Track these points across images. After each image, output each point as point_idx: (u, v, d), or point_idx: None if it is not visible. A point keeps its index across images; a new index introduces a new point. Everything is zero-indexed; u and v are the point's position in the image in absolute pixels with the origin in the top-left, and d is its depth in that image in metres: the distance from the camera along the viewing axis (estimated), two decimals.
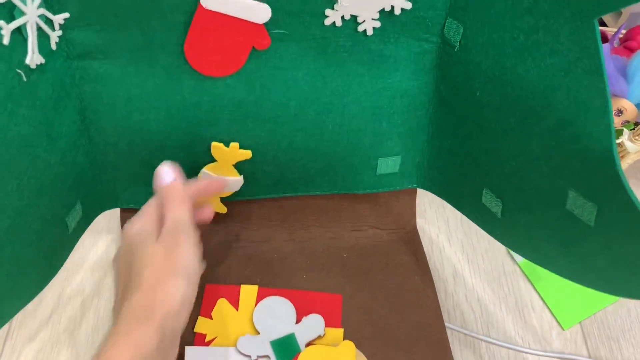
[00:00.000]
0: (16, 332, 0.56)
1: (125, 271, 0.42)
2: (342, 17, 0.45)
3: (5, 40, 0.37)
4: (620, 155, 0.57)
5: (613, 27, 0.79)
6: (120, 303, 0.40)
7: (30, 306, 0.49)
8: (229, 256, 0.61)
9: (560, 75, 0.37)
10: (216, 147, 0.52)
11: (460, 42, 0.46)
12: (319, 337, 0.53)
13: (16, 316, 0.54)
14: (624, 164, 0.58)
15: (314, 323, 0.54)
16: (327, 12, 0.45)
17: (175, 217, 0.43)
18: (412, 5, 0.45)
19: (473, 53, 0.45)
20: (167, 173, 0.47)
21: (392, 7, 0.45)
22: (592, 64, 0.34)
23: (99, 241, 0.64)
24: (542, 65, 0.38)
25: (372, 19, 0.46)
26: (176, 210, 0.44)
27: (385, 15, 0.46)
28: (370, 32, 0.47)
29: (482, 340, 0.57)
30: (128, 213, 0.59)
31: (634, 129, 0.55)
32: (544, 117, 0.39)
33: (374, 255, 0.62)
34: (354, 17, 0.45)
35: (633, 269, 0.38)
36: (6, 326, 0.55)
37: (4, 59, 0.37)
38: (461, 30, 0.45)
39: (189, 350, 0.51)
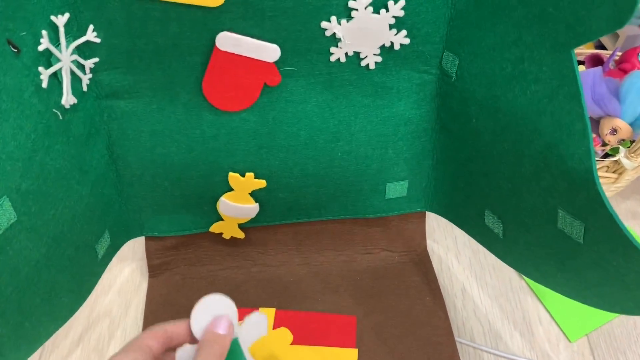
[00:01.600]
0: (49, 352, 0.59)
1: None
2: (346, 54, 0.49)
3: (44, 84, 0.41)
4: (618, 172, 0.59)
5: (611, 49, 0.82)
6: None
7: (62, 327, 0.52)
8: (246, 280, 0.64)
9: (544, 102, 0.40)
10: (233, 177, 0.56)
11: (456, 73, 0.49)
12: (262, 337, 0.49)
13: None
14: (623, 181, 0.60)
15: (256, 322, 0.47)
16: (332, 49, 0.49)
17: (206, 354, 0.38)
18: (411, 41, 0.49)
19: (468, 83, 0.48)
20: (222, 320, 0.40)
21: (392, 43, 0.49)
22: (571, 90, 0.37)
23: (125, 267, 0.68)
24: (528, 92, 0.41)
25: (374, 54, 0.49)
26: None
27: (386, 50, 0.49)
28: (372, 67, 0.50)
29: (490, 353, 0.59)
30: (152, 240, 0.63)
31: (630, 146, 0.57)
32: (532, 141, 0.42)
33: (386, 278, 0.65)
34: (356, 54, 0.49)
35: (622, 285, 0.40)
36: (39, 348, 0.59)
37: (43, 101, 0.42)
38: (457, 62, 0.49)
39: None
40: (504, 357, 0.58)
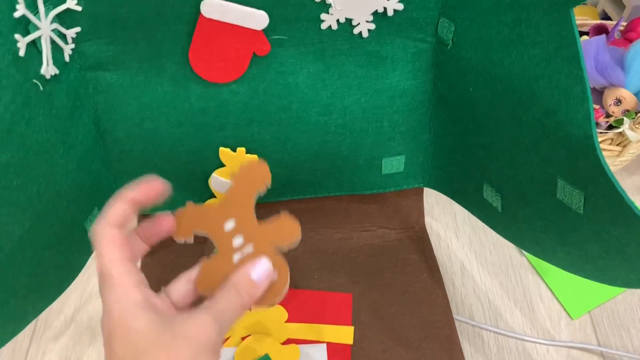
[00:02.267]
0: (41, 331, 0.59)
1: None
2: (338, 21, 0.47)
3: (21, 52, 0.40)
4: (622, 145, 0.57)
5: (616, 20, 0.80)
6: None
7: (54, 305, 0.52)
8: None
9: (542, 66, 0.38)
10: (223, 152, 0.54)
11: (452, 39, 0.47)
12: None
13: (41, 316, 0.57)
14: (627, 154, 0.58)
15: None
16: (323, 16, 0.47)
17: (229, 299, 0.35)
18: (405, 7, 0.47)
19: (464, 50, 0.46)
20: (262, 266, 0.37)
21: (385, 9, 0.47)
22: (570, 53, 0.35)
23: None
24: (526, 56, 0.39)
25: (367, 22, 0.48)
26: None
27: (379, 17, 0.47)
28: (365, 35, 0.48)
29: (490, 331, 0.58)
30: (142, 218, 0.62)
31: (635, 118, 0.55)
32: (530, 107, 0.40)
33: (383, 255, 0.63)
34: (349, 21, 0.47)
35: (624, 256, 0.39)
36: (32, 325, 0.58)
37: (21, 70, 0.40)
38: (453, 29, 0.47)
39: None
40: (504, 334, 0.57)
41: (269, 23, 0.46)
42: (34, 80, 0.42)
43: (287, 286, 0.38)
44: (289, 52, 0.49)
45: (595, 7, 0.88)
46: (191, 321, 0.32)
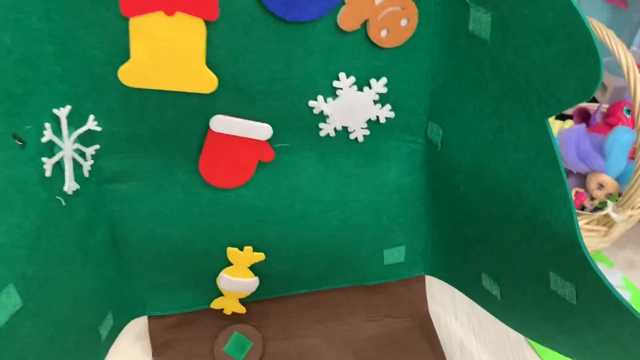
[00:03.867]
0: None
1: None
2: (335, 129, 0.51)
3: (48, 173, 0.43)
4: (609, 225, 0.60)
5: (600, 100, 0.85)
6: None
7: None
8: (249, 354, 0.64)
9: (525, 169, 0.41)
10: (232, 252, 0.57)
11: (441, 142, 0.51)
12: None
13: None
14: (614, 234, 0.61)
15: None
16: (321, 125, 0.51)
17: None
18: (396, 114, 0.51)
19: (453, 151, 0.50)
20: None
21: (377, 117, 0.51)
22: (549, 158, 0.39)
23: (128, 347, 0.68)
24: (509, 160, 0.43)
25: (362, 128, 0.52)
26: None
27: (373, 123, 0.52)
28: (361, 140, 0.53)
29: None
30: (155, 319, 0.63)
31: (617, 200, 0.58)
32: (517, 206, 0.43)
33: (389, 345, 0.64)
34: (345, 128, 0.52)
35: (620, 345, 0.40)
36: None
37: (47, 189, 0.44)
38: (441, 132, 0.51)
39: None
40: None
41: (273, 133, 0.50)
42: (57, 197, 0.45)
43: None
44: (292, 157, 0.53)
45: None
46: None
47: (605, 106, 0.77)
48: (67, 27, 0.42)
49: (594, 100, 0.88)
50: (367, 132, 0.52)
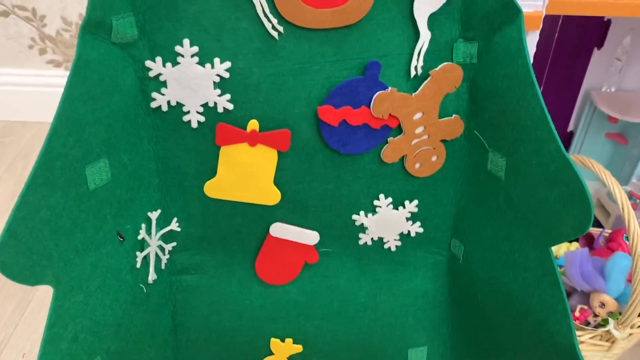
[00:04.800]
0: None
1: None
2: (372, 239, 0.61)
3: (138, 265, 0.53)
4: (611, 341, 0.67)
5: (604, 224, 0.94)
6: None
7: None
8: None
9: (533, 286, 0.50)
10: (274, 342, 0.64)
11: (462, 256, 0.60)
12: None
13: None
14: (617, 349, 0.68)
15: None
16: (360, 235, 0.60)
17: None
18: (424, 230, 0.61)
19: (473, 265, 0.59)
20: None
21: (409, 231, 0.60)
22: (552, 279, 0.48)
23: None
24: (520, 278, 0.51)
25: (394, 239, 0.61)
26: None
27: (404, 236, 0.61)
28: (394, 249, 0.62)
29: None
30: None
31: (618, 318, 0.65)
32: (526, 318, 0.51)
33: None
34: (380, 238, 0.61)
35: None
36: None
37: (134, 278, 0.53)
38: (462, 248, 0.60)
39: None
40: None
41: (319, 240, 0.60)
42: (140, 285, 0.54)
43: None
44: (333, 260, 0.62)
45: None
46: None
47: (607, 231, 0.85)
48: (170, 149, 0.53)
49: (599, 224, 0.97)
50: (399, 243, 0.61)
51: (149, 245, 0.55)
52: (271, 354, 0.65)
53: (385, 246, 0.62)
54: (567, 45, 0.94)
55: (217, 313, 0.63)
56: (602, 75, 0.97)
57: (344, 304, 0.64)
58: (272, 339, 0.64)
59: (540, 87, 0.97)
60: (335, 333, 0.65)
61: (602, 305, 0.68)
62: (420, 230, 0.61)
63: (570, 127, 1.02)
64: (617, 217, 0.94)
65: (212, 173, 0.54)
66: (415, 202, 0.58)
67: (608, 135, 1.00)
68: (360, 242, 0.61)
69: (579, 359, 0.46)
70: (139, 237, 0.53)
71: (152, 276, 0.55)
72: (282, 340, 0.64)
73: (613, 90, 0.97)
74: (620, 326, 0.65)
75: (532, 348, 0.52)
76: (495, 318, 0.57)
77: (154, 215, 0.54)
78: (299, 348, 0.65)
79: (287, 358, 0.66)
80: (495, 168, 0.52)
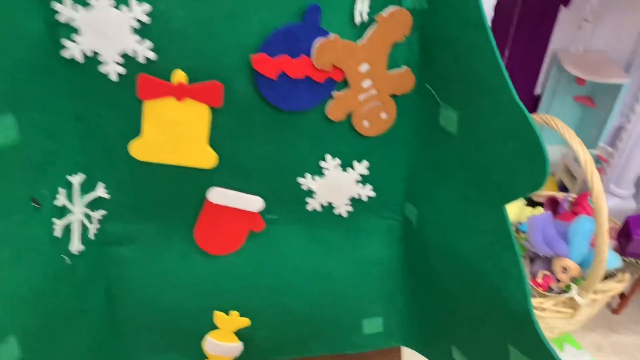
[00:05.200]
0: None
1: None
2: (321, 204, 0.57)
3: (58, 233, 0.48)
4: (574, 308, 0.64)
5: (571, 190, 0.91)
6: None
7: None
8: None
9: (487, 250, 0.46)
10: (218, 315, 0.60)
11: (416, 220, 0.56)
12: None
13: None
14: (581, 316, 0.65)
15: None
16: (308, 200, 0.56)
17: None
18: (376, 193, 0.57)
19: (426, 229, 0.55)
20: None
21: (360, 195, 0.56)
22: (506, 241, 0.44)
23: None
24: (474, 242, 0.48)
25: (345, 204, 0.57)
26: None
27: (355, 201, 0.57)
28: (345, 215, 0.58)
29: None
30: None
31: (581, 284, 0.63)
32: (480, 284, 0.48)
33: None
34: (330, 204, 0.57)
35: None
36: None
37: (55, 248, 0.48)
38: (416, 211, 0.56)
39: None
40: None
41: (264, 206, 0.55)
42: (63, 256, 0.49)
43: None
44: (281, 228, 0.58)
45: (554, 177, 1.01)
46: None
47: (573, 196, 0.83)
48: (90, 106, 0.47)
49: (566, 190, 0.95)
50: (350, 209, 0.57)
51: (71, 212, 0.50)
52: (215, 328, 0.61)
53: (336, 212, 0.58)
54: (533, 3, 0.90)
55: (155, 287, 0.59)
56: (569, 36, 0.94)
57: (293, 274, 0.60)
58: (216, 312, 0.60)
59: (506, 49, 0.93)
60: (285, 305, 0.61)
61: (565, 270, 0.65)
62: (372, 194, 0.57)
63: (537, 91, 0.98)
64: (583, 182, 0.92)
65: (139, 133, 0.49)
66: (365, 163, 0.54)
67: (576, 99, 0.97)
68: (309, 208, 0.57)
69: (533, 325, 0.42)
70: (58, 204, 0.48)
71: (76, 247, 0.50)
72: (227, 314, 0.60)
73: (581, 50, 0.94)
74: (583, 292, 0.62)
75: (487, 315, 0.49)
76: (450, 284, 0.54)
77: (75, 179, 0.49)
78: (246, 321, 0.61)
79: (234, 333, 0.62)
80: (448, 123, 0.48)
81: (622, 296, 0.81)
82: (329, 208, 0.57)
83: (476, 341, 0.52)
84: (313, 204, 0.57)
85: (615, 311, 0.82)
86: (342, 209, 0.57)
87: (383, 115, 0.51)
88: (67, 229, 0.50)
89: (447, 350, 0.58)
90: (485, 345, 0.51)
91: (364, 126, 0.52)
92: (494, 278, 0.46)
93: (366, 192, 0.56)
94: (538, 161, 0.40)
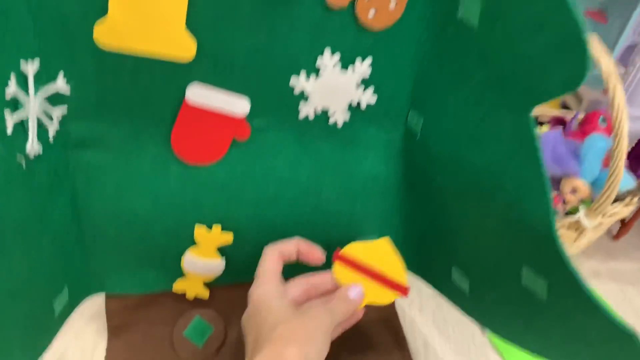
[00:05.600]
0: None
1: (255, 328, 0.45)
2: (315, 111, 0.50)
3: (9, 131, 0.41)
4: (579, 231, 0.60)
5: (576, 110, 0.86)
6: (252, 354, 0.43)
7: None
8: (210, 340, 0.62)
9: (505, 162, 0.41)
10: (199, 230, 0.55)
11: (420, 131, 0.50)
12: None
13: None
14: (584, 240, 0.62)
15: None
16: (301, 106, 0.50)
17: (338, 303, 0.48)
18: (377, 99, 0.50)
19: (432, 141, 0.49)
20: (357, 288, 0.50)
21: (359, 102, 0.50)
22: (530, 151, 0.38)
23: (82, 326, 0.65)
24: (490, 152, 0.42)
25: (342, 112, 0.51)
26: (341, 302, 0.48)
27: (353, 108, 0.51)
28: (340, 125, 0.51)
29: None
30: (112, 299, 0.61)
31: (590, 206, 0.59)
32: (494, 199, 0.43)
33: (354, 335, 0.63)
34: (325, 111, 0.50)
35: (587, 342, 0.40)
36: None
37: (7, 147, 0.41)
38: (421, 121, 0.50)
39: None
40: None
41: (250, 110, 0.49)
42: (17, 158, 0.43)
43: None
44: (269, 136, 0.51)
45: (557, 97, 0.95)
46: (314, 309, 0.45)
47: (580, 116, 0.77)
48: None
49: (569, 109, 0.89)
50: (347, 118, 0.51)
51: (24, 106, 0.42)
52: (194, 244, 0.56)
53: (331, 121, 0.51)
54: None
55: (127, 199, 0.52)
56: None
57: (282, 189, 0.55)
58: (197, 226, 0.55)
59: None
60: (272, 222, 0.56)
61: (574, 191, 0.60)
62: (373, 99, 0.50)
63: None
64: (590, 102, 0.86)
65: (104, 13, 0.41)
66: (369, 60, 0.47)
67: (587, 14, 0.90)
68: (301, 115, 0.51)
69: (555, 243, 0.38)
70: (9, 93, 0.40)
71: (33, 147, 0.44)
72: (209, 227, 0.55)
73: None
74: (591, 214, 0.58)
75: (498, 234, 0.44)
76: (456, 202, 0.49)
77: (30, 66, 0.42)
78: (229, 237, 0.55)
79: (217, 249, 0.57)
80: (468, 13, 0.41)
81: (623, 222, 0.78)
82: (323, 116, 0.51)
83: (482, 262, 0.48)
84: (306, 110, 0.50)
85: (615, 237, 0.79)
86: (338, 117, 0.51)
87: (391, 4, 0.44)
88: (23, 128, 0.43)
89: (447, 271, 0.54)
90: (492, 266, 0.47)
91: (369, 17, 0.44)
92: (510, 192, 0.41)
93: (367, 97, 0.50)
94: (577, 54, 0.34)
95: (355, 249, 0.53)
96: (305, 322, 0.44)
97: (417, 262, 0.61)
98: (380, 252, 0.53)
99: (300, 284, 0.49)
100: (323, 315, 0.45)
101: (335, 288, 0.50)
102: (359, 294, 0.49)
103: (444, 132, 0.47)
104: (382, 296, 0.52)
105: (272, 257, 0.50)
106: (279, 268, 0.49)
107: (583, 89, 0.87)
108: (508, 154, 0.41)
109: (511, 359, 0.63)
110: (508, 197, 0.41)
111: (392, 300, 0.57)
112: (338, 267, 0.52)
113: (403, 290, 0.52)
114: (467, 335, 0.66)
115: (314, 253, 0.52)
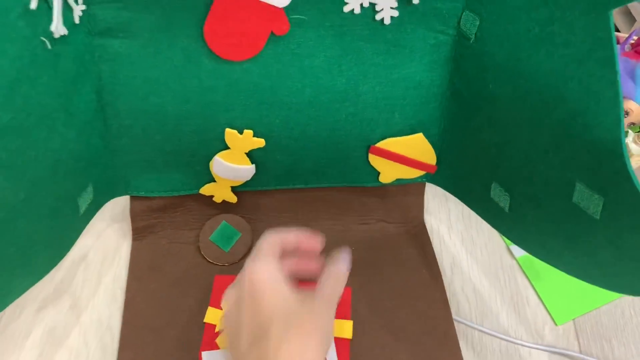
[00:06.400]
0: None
1: (252, 317, 0.40)
2: (361, 5, 0.46)
3: (33, 5, 0.37)
4: None
5: (626, 32, 0.80)
6: (248, 348, 0.39)
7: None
8: (236, 245, 0.61)
9: (573, 67, 0.37)
10: (230, 133, 0.52)
11: (475, 34, 0.46)
12: None
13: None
14: None
15: None
16: None
17: (333, 285, 0.44)
18: None
19: (488, 45, 0.45)
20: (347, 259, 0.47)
21: None
22: (605, 55, 0.35)
23: (106, 227, 0.64)
24: (556, 56, 0.39)
25: (391, 8, 0.46)
26: (337, 282, 0.45)
27: (403, 4, 0.46)
28: (387, 22, 0.47)
29: (475, 329, 0.57)
30: (137, 200, 0.59)
31: (639, 131, 0.55)
32: (555, 108, 0.40)
33: (382, 249, 0.62)
34: (372, 5, 0.46)
35: (638, 265, 0.38)
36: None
37: (31, 25, 0.37)
38: (477, 23, 0.46)
39: (206, 356, 0.52)
40: (489, 333, 0.57)
41: (291, 1, 0.45)
42: (42, 38, 0.39)
43: None
44: (308, 33, 0.48)
45: None
46: (316, 301, 0.42)
47: (635, 37, 0.72)
48: None
49: (618, 30, 0.84)
50: (396, 14, 0.47)
51: None
52: (226, 147, 0.54)
53: (377, 17, 0.47)
54: None
55: (155, 94, 0.49)
56: None
57: (318, 92, 0.51)
58: (228, 129, 0.52)
59: None
60: (306, 127, 0.53)
61: (626, 114, 0.57)
62: None
63: None
64: None
65: None
66: None
67: None
68: (346, 9, 0.46)
69: (622, 157, 0.35)
70: None
71: (57, 28, 0.40)
72: (240, 132, 0.52)
73: None
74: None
75: (553, 148, 0.41)
76: (508, 113, 0.45)
77: None
78: (260, 142, 0.53)
79: (246, 154, 0.54)
80: None
81: None
82: (369, 11, 0.47)
83: (529, 178, 0.45)
84: (352, 4, 0.46)
85: None
86: (386, 13, 0.47)
87: None
88: (45, 5, 0.39)
89: (485, 186, 0.52)
90: (540, 182, 0.44)
91: None
92: (576, 101, 0.38)
93: None
94: None
95: (388, 143, 0.54)
96: (316, 312, 0.41)
97: (452, 179, 0.58)
98: (412, 143, 0.54)
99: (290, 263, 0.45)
100: (324, 308, 0.42)
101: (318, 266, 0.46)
102: (349, 264, 0.47)
103: (503, 35, 0.43)
104: (410, 173, 0.55)
105: (274, 237, 0.45)
106: (278, 249, 0.44)
107: (636, 7, 0.81)
108: (577, 60, 0.37)
109: (539, 283, 0.62)
110: (572, 106, 0.38)
111: (420, 175, 0.59)
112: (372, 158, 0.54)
113: (431, 168, 0.53)
114: (495, 257, 0.65)
115: (313, 240, 0.48)
